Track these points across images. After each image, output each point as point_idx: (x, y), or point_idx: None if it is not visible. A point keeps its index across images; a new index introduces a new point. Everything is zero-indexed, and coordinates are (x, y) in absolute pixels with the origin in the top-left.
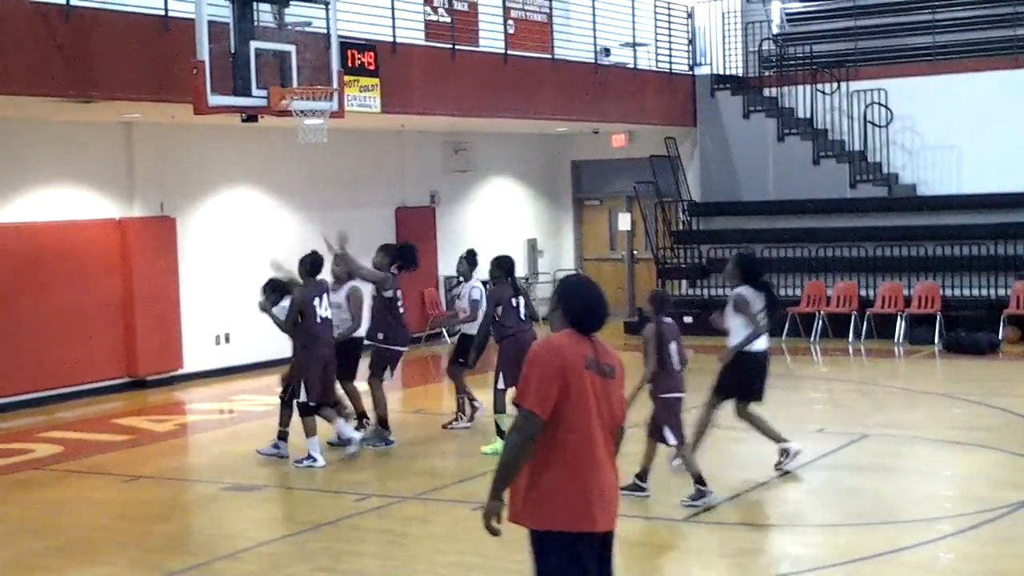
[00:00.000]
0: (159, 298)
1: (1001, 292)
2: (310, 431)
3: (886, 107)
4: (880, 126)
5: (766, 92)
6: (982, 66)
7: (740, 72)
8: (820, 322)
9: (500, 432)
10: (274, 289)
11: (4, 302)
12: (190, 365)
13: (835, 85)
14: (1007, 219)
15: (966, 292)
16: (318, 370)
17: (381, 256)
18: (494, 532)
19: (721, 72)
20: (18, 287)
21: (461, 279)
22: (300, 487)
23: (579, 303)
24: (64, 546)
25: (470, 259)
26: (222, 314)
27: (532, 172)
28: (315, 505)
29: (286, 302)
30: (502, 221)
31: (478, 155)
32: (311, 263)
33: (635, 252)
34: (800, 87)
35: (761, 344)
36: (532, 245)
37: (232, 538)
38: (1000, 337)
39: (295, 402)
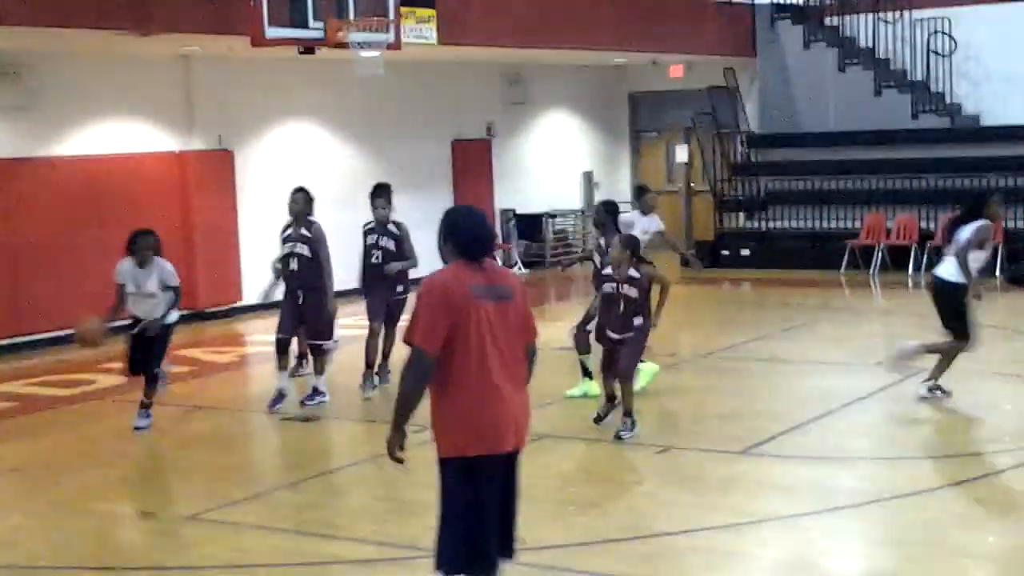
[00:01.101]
0: (218, 231)
1: None
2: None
3: (950, 36)
4: (943, 55)
5: (827, 21)
6: None
7: (801, 1)
8: (880, 255)
9: (586, 372)
10: None
11: (65, 235)
12: (249, 297)
13: (898, 14)
14: None
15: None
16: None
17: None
18: (397, 460)
19: (781, 1)
20: (79, 220)
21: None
22: (356, 419)
23: (464, 233)
24: (127, 475)
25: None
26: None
27: (589, 104)
28: (372, 435)
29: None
30: (558, 154)
31: (534, 87)
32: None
33: (692, 185)
34: (862, 16)
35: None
36: (588, 178)
37: (292, 468)
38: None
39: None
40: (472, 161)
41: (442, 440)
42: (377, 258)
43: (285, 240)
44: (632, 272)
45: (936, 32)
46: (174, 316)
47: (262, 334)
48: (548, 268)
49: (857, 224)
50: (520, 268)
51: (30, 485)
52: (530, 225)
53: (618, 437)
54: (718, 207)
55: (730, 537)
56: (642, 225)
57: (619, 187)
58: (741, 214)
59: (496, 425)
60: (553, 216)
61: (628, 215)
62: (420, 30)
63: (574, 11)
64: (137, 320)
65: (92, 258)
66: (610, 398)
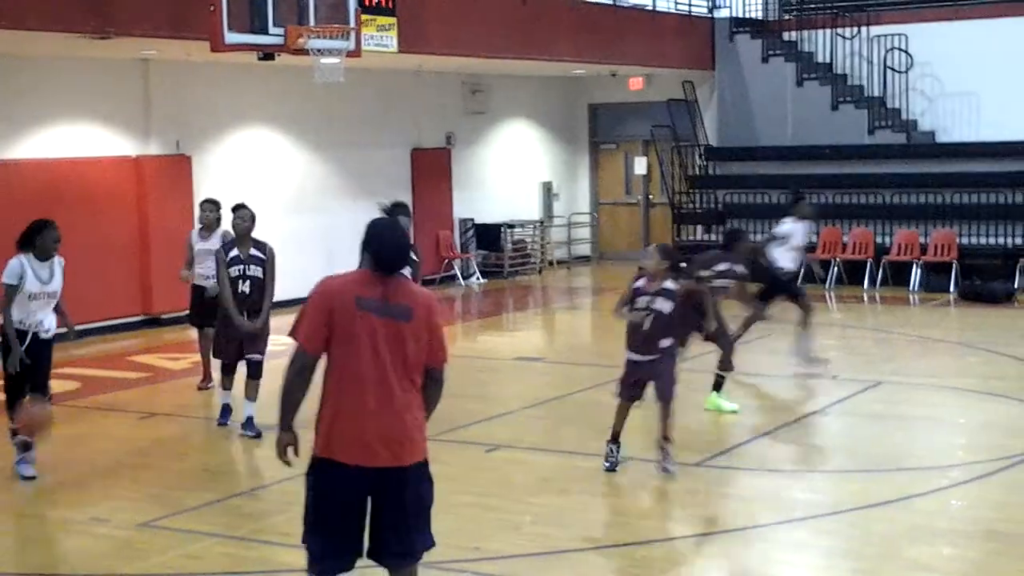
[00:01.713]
0: (175, 236)
1: (1018, 241)
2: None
3: (906, 53)
4: (900, 72)
5: (785, 36)
6: (1004, 12)
7: (760, 15)
8: (836, 269)
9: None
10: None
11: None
12: None
13: (855, 30)
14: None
15: (983, 240)
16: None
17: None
18: (285, 462)
19: (740, 15)
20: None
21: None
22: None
23: (377, 246)
24: (81, 481)
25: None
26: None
27: (549, 115)
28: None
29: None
30: (518, 164)
31: (495, 97)
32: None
33: (651, 196)
34: (820, 31)
35: None
36: (548, 188)
37: (248, 476)
38: (1016, 286)
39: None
40: (431, 170)
41: (315, 438)
42: None
43: (232, 262)
44: (667, 284)
45: (893, 48)
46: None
47: None
48: (506, 278)
49: (813, 238)
50: (478, 278)
51: None
52: (489, 235)
53: (666, 471)
54: (676, 219)
55: (689, 548)
56: (802, 234)
57: (578, 198)
58: (699, 226)
59: (351, 437)
60: (512, 226)
61: (788, 225)
62: (380, 38)
63: (534, 22)
64: (23, 332)
65: None
66: (616, 437)
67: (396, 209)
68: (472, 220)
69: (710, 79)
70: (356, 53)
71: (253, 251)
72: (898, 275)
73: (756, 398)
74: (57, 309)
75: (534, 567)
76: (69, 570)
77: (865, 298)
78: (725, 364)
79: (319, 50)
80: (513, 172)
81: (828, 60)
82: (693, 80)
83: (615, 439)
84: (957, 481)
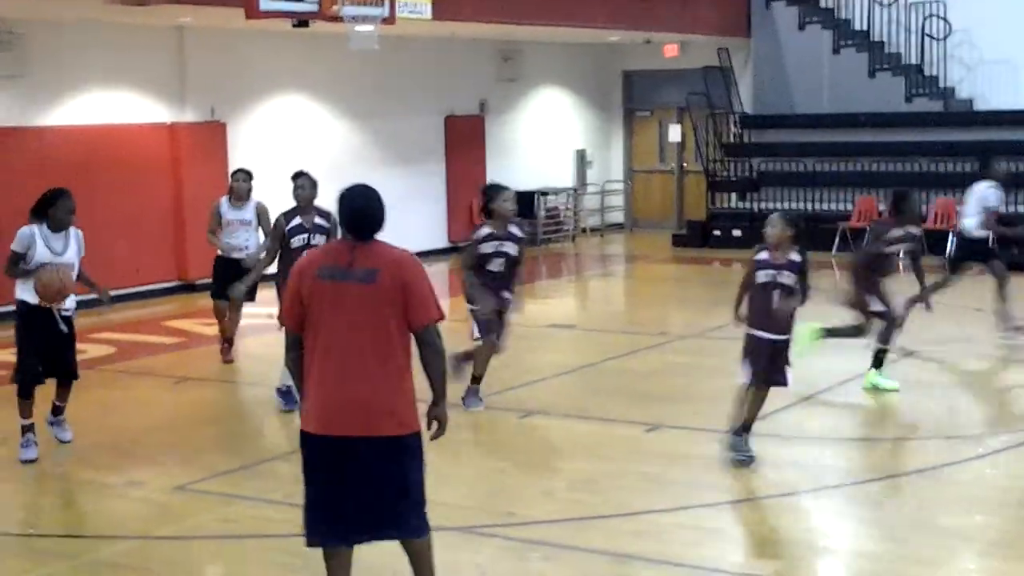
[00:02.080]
0: (209, 203)
1: None
2: None
3: (944, 20)
4: (938, 39)
5: (822, 3)
6: None
7: None
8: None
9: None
10: None
11: None
12: None
13: None
14: None
15: (1022, 208)
16: None
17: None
18: None
19: None
20: (70, 189)
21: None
22: None
23: (345, 211)
24: (115, 445)
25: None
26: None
27: (583, 82)
28: None
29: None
30: (551, 131)
31: (528, 64)
32: None
33: (685, 164)
34: None
35: None
36: (581, 156)
37: (280, 440)
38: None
39: None
40: (465, 137)
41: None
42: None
43: (295, 231)
44: (793, 255)
45: (931, 16)
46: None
47: (250, 307)
48: (539, 245)
49: (849, 206)
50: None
51: (15, 454)
52: (522, 202)
53: (739, 462)
54: (710, 187)
55: (719, 515)
56: (996, 197)
57: (612, 165)
58: (733, 194)
59: (321, 406)
60: (545, 194)
61: (985, 189)
62: (414, 5)
63: None
64: (35, 307)
65: (83, 227)
66: (748, 426)
67: (490, 189)
68: None
69: (746, 47)
70: (391, 20)
71: (317, 219)
72: (936, 244)
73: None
74: (83, 278)
75: (566, 532)
76: (108, 532)
77: (901, 267)
78: (885, 337)
79: (353, 17)
80: (546, 139)
81: (865, 27)
82: (729, 47)
83: (746, 428)
84: (992, 450)
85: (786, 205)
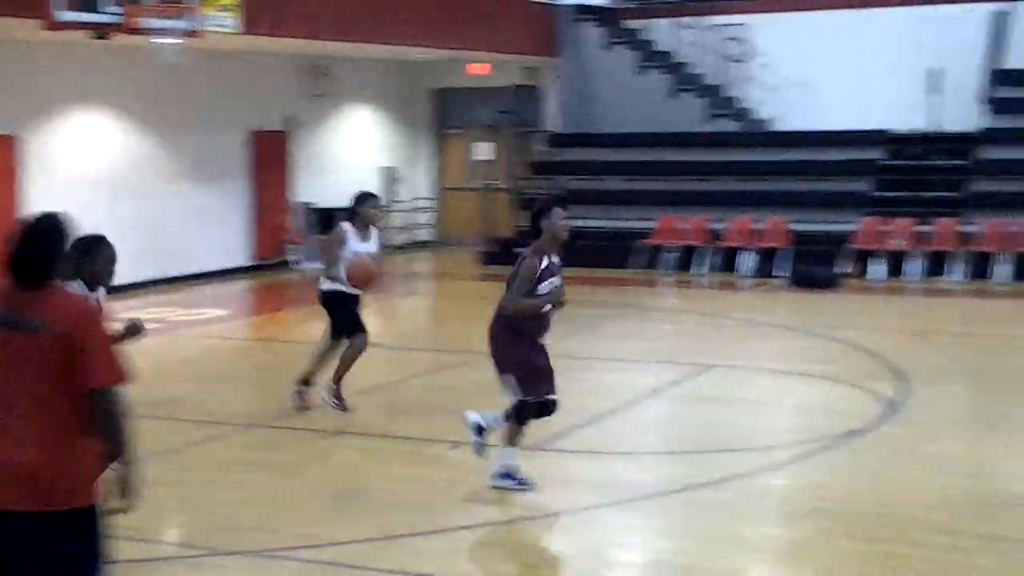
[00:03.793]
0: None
1: (848, 227)
2: None
3: (745, 43)
4: (739, 61)
5: (628, 24)
6: (839, 4)
7: (602, 3)
8: (672, 254)
9: None
10: None
11: None
12: None
13: (697, 19)
14: (856, 156)
15: (815, 227)
16: None
17: None
18: None
19: (584, 3)
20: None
21: None
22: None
23: (9, 249)
24: None
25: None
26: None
27: (392, 99)
28: (155, 433)
29: None
30: (360, 148)
31: (337, 80)
32: None
33: (494, 182)
34: (662, 20)
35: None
36: (391, 173)
37: None
38: (844, 271)
39: None
40: (271, 153)
41: None
42: None
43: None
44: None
45: (732, 38)
46: None
47: None
48: None
49: (651, 224)
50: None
51: None
52: (328, 219)
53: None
54: (518, 205)
55: (523, 530)
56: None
57: (420, 183)
58: None
59: None
60: None
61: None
62: (220, 18)
63: (378, 6)
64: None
65: None
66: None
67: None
68: (311, 204)
69: (554, 66)
70: (195, 34)
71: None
72: (733, 261)
73: (587, 382)
74: None
75: (369, 553)
76: None
77: (701, 283)
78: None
79: (157, 30)
80: (355, 156)
81: (668, 49)
82: (537, 67)
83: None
84: (783, 461)
85: (592, 223)
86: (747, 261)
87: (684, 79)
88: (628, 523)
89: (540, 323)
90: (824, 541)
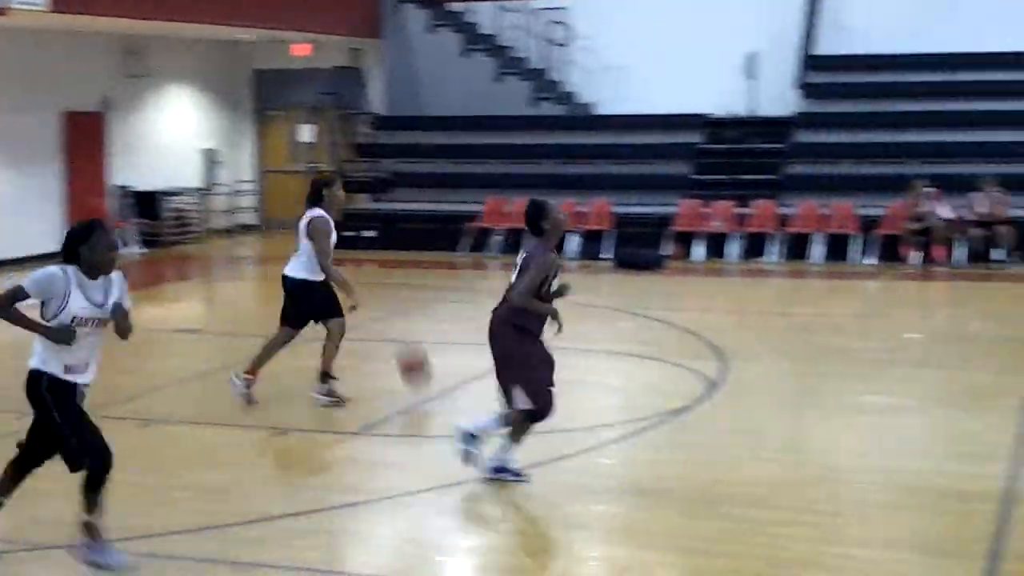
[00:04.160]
0: None
1: (670, 209)
2: None
3: (567, 26)
4: (562, 45)
5: (452, 7)
6: None
7: None
8: (499, 237)
9: None
10: None
11: None
12: None
13: (520, 2)
14: (676, 139)
15: (638, 209)
16: None
17: None
18: None
19: None
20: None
21: None
22: None
23: None
24: None
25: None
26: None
27: (212, 80)
28: None
29: None
30: (179, 129)
31: (155, 60)
32: None
33: (317, 164)
34: (485, 3)
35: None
36: (211, 156)
37: None
38: (666, 253)
39: None
40: (85, 135)
41: None
42: None
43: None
44: None
45: (554, 22)
46: None
47: None
48: (166, 247)
49: (477, 207)
50: (139, 248)
51: None
52: (147, 203)
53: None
54: (343, 188)
55: (346, 517)
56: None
57: (242, 165)
58: (366, 195)
59: None
60: (171, 194)
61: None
62: None
63: None
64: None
65: None
66: None
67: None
68: (129, 187)
69: (378, 47)
70: (3, 12)
71: None
72: (559, 244)
73: None
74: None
75: (187, 543)
76: None
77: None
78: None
79: None
80: (174, 138)
81: (492, 32)
82: (361, 48)
83: None
84: (609, 440)
85: (419, 206)
86: (572, 244)
87: (508, 62)
88: (453, 506)
89: (543, 320)
90: (650, 517)
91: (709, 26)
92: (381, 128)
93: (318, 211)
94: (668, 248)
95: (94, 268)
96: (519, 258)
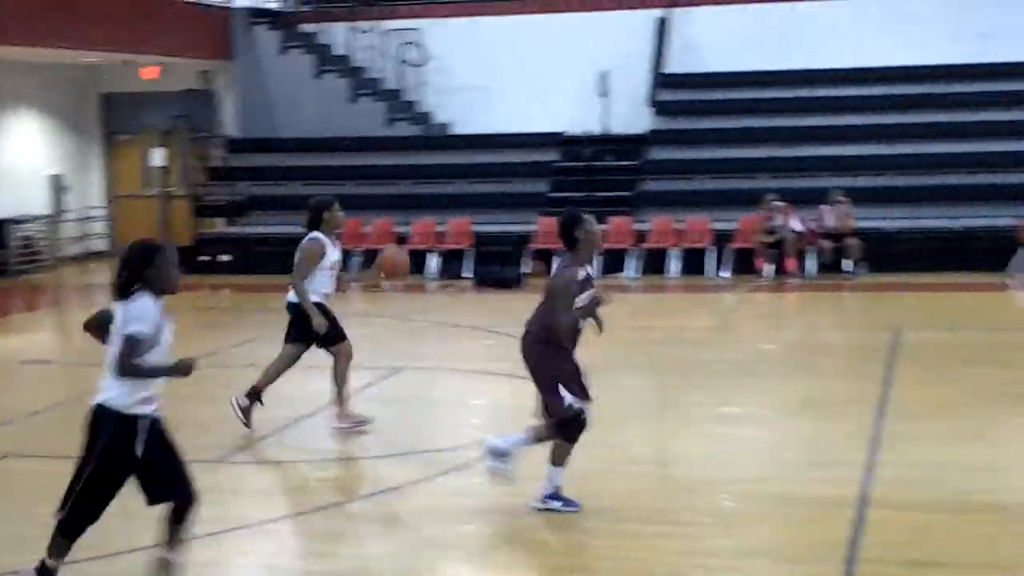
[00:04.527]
0: None
1: (529, 227)
2: None
3: (422, 47)
4: (416, 65)
5: (304, 28)
6: (512, 10)
7: (278, 7)
8: (358, 258)
9: None
10: None
11: None
12: None
13: (372, 23)
14: (532, 158)
15: (496, 228)
16: None
17: None
18: None
19: (259, 6)
20: None
21: None
22: None
23: None
24: None
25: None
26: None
27: (58, 104)
28: None
29: None
30: (24, 155)
31: None
32: None
33: (169, 189)
34: (338, 24)
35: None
36: (57, 182)
37: None
38: (526, 271)
39: None
40: None
41: None
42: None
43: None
44: None
45: (408, 43)
46: None
47: None
48: (13, 277)
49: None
50: None
51: None
52: None
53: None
54: (196, 212)
55: (208, 547)
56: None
57: (91, 191)
58: (221, 219)
59: None
60: (17, 222)
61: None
62: None
63: (41, 8)
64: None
65: None
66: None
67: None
68: None
69: (229, 69)
70: None
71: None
72: (417, 263)
73: (273, 390)
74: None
75: None
76: None
77: (386, 287)
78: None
79: None
80: (18, 164)
81: (346, 53)
82: (212, 71)
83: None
84: (473, 460)
85: (275, 229)
86: (432, 263)
87: (362, 83)
88: (316, 532)
89: (576, 336)
90: (516, 536)
91: (562, 46)
92: (234, 151)
93: (315, 234)
94: (528, 266)
95: (163, 289)
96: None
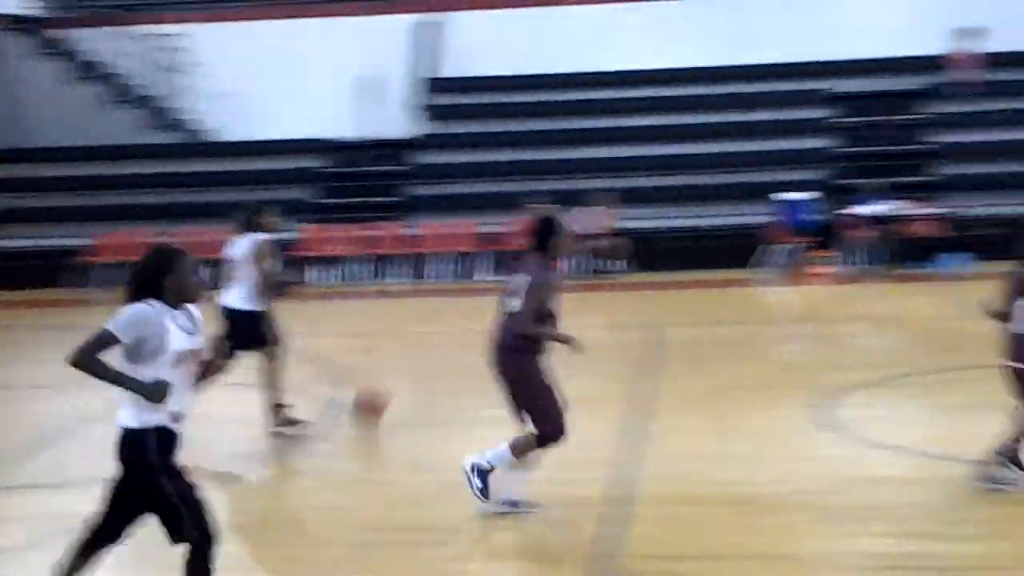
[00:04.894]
0: None
1: (293, 235)
2: None
3: (183, 52)
4: (177, 72)
5: (54, 34)
6: (272, 14)
7: (29, 12)
8: (120, 270)
9: None
10: None
11: None
12: None
13: (131, 28)
14: (299, 164)
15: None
16: None
17: None
18: None
19: (6, 12)
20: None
21: None
22: None
23: None
24: None
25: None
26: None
27: None
28: None
29: None
30: None
31: None
32: None
33: None
34: (95, 30)
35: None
36: None
37: None
38: (291, 279)
39: None
40: None
41: None
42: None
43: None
44: None
45: (169, 48)
46: None
47: None
48: None
49: (88, 241)
50: None
51: None
52: None
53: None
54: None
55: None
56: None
57: None
58: None
59: None
60: None
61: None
62: None
63: None
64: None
65: None
66: None
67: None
68: None
69: None
70: None
71: None
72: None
73: (16, 412)
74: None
75: None
76: None
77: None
78: None
79: None
80: None
81: (101, 59)
82: None
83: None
84: (233, 476)
85: (25, 243)
86: (207, 274)
87: (118, 90)
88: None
89: (544, 342)
90: (267, 554)
91: (329, 51)
92: None
93: (264, 235)
94: (292, 274)
95: (182, 296)
96: (516, 277)
